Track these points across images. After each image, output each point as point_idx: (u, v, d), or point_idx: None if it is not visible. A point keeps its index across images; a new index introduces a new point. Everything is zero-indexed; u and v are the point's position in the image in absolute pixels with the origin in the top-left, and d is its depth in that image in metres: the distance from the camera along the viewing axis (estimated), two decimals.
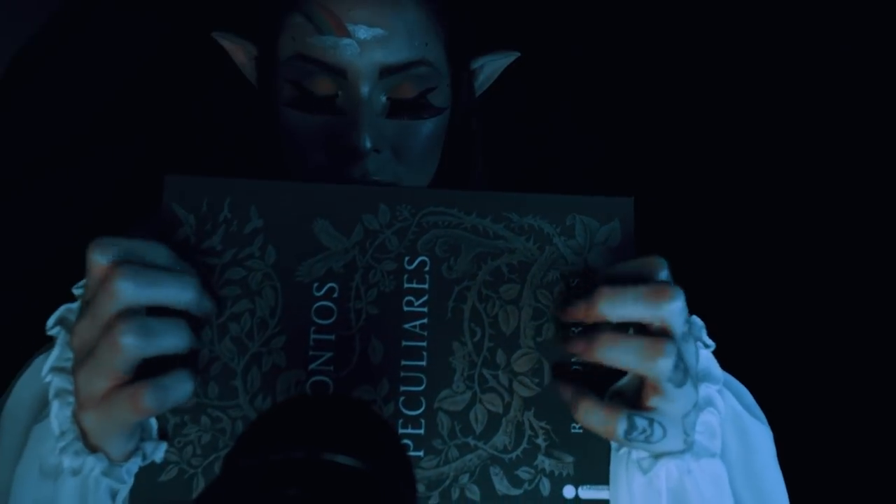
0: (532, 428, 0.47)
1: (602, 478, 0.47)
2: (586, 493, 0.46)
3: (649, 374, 0.42)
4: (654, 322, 0.43)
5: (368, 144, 0.56)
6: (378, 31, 0.55)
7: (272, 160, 0.63)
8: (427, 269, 0.47)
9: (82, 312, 0.41)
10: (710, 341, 0.48)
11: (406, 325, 0.47)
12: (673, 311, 0.42)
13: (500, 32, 0.71)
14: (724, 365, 0.49)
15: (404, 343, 0.47)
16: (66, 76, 0.90)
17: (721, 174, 1.04)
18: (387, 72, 0.56)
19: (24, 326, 0.49)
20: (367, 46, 0.55)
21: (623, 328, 0.44)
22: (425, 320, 0.47)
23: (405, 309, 0.47)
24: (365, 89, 0.56)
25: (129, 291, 0.40)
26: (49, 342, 0.46)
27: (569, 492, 0.46)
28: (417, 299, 0.47)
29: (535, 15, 1.01)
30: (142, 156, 0.94)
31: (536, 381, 0.47)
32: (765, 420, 0.53)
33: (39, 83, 0.89)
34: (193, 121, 0.96)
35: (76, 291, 0.46)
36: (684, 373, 0.42)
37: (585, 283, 0.47)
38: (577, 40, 1.04)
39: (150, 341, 0.40)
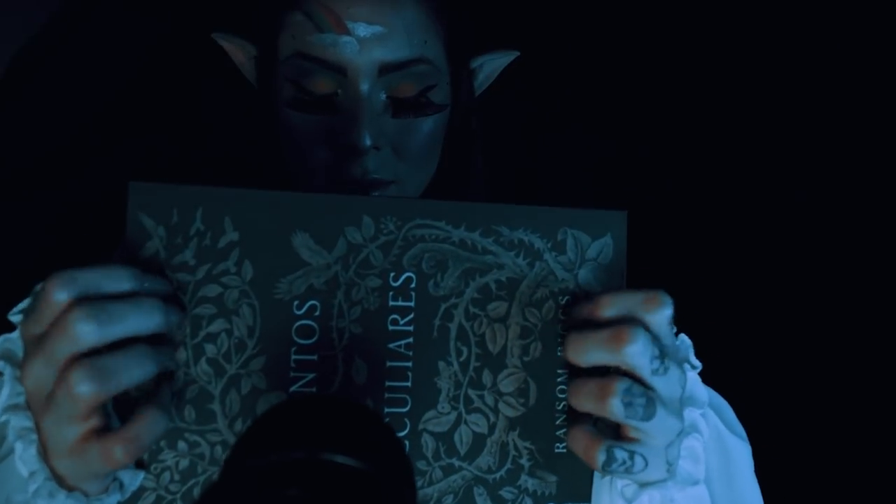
0: (516, 448, 0.46)
1: (584, 496, 0.46)
2: None
3: (605, 415, 0.42)
4: (619, 365, 0.42)
5: (368, 142, 0.56)
6: (377, 29, 0.56)
7: (272, 160, 0.63)
8: (413, 285, 0.45)
9: (33, 350, 0.39)
10: (696, 362, 0.48)
11: (391, 345, 0.45)
12: (632, 353, 0.41)
13: (499, 31, 0.71)
14: (709, 373, 0.49)
15: (389, 363, 0.45)
16: (66, 76, 0.90)
17: (719, 175, 1.04)
18: (386, 69, 0.56)
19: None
20: (366, 44, 0.56)
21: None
22: (411, 339, 0.45)
23: (390, 328, 0.45)
24: (365, 87, 0.56)
25: (89, 334, 0.37)
26: None
27: None
28: (403, 318, 0.45)
29: (534, 14, 1.01)
30: (141, 156, 0.94)
31: (522, 401, 0.46)
32: (745, 436, 0.53)
33: (39, 83, 0.89)
34: (193, 121, 0.96)
35: (13, 318, 0.43)
36: (645, 408, 0.42)
37: (574, 302, 0.47)
38: (576, 40, 1.04)
39: (108, 384, 0.37)
